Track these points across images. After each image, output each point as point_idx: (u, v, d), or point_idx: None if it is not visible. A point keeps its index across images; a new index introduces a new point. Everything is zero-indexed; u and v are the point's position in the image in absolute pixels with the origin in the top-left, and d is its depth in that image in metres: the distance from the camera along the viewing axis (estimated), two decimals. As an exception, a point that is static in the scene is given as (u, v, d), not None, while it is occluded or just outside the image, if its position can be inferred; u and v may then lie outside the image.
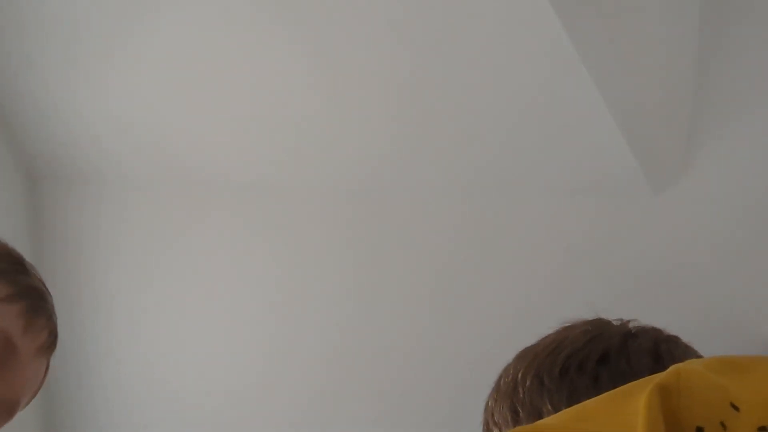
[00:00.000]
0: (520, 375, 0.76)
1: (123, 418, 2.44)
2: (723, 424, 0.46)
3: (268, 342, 2.35)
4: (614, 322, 0.79)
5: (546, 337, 0.78)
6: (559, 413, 0.52)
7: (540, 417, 0.72)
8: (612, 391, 0.51)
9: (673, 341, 0.78)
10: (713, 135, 2.02)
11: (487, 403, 0.78)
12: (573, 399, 0.71)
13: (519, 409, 0.74)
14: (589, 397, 0.66)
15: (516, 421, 0.74)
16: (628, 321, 0.78)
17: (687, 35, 1.96)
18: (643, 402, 0.46)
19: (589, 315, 0.78)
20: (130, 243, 2.41)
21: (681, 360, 0.73)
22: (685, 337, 1.94)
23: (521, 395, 0.75)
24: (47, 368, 1.02)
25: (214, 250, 2.36)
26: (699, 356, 0.77)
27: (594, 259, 2.11)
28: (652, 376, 0.50)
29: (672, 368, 0.49)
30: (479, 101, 1.96)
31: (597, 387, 0.72)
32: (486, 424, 0.77)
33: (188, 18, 1.95)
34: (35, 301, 1.01)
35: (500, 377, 0.78)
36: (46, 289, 1.07)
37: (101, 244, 2.42)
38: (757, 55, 1.95)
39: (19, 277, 1.01)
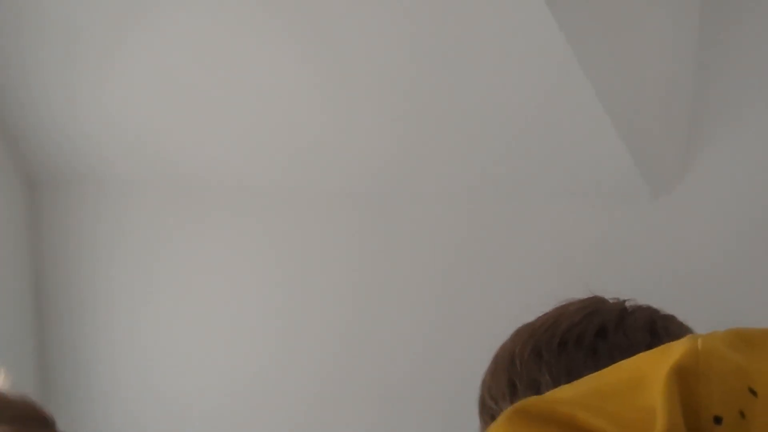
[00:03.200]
0: (517, 349, 0.75)
1: (121, 421, 2.43)
2: (742, 413, 0.45)
3: (269, 345, 2.35)
4: (610, 300, 0.78)
5: (543, 314, 0.78)
6: (572, 385, 0.50)
7: (538, 390, 0.72)
8: (627, 365, 0.49)
9: (669, 319, 0.78)
10: (713, 137, 2.02)
11: (483, 380, 0.78)
12: (571, 371, 0.70)
13: (516, 382, 0.74)
14: (587, 370, 0.65)
15: (513, 394, 0.74)
16: (624, 300, 0.78)
17: (686, 38, 1.96)
18: (661, 388, 0.45)
19: (584, 294, 0.78)
20: (129, 246, 2.41)
21: (678, 336, 0.72)
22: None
23: (519, 369, 0.74)
24: None
25: (214, 253, 2.36)
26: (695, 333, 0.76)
27: (594, 263, 2.10)
28: (669, 349, 0.48)
29: (690, 346, 0.47)
30: (479, 106, 1.96)
31: (595, 360, 0.72)
32: (482, 399, 0.77)
33: (186, 20, 1.96)
34: None
35: (497, 354, 0.78)
36: None
37: (100, 248, 2.43)
38: (757, 56, 1.95)
39: None
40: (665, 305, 2.04)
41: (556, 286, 2.10)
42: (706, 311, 2.05)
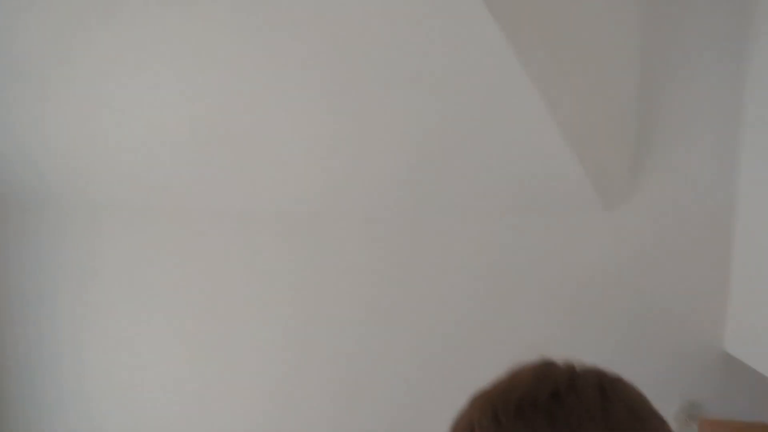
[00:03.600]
0: (476, 417, 0.76)
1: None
2: None
3: (219, 364, 2.36)
4: (559, 364, 0.80)
5: (496, 381, 0.79)
6: None
7: None
8: None
9: (616, 381, 0.80)
10: (661, 149, 2.06)
11: None
12: None
13: None
14: None
15: None
16: (572, 363, 0.80)
17: (630, 54, 1.99)
18: None
19: (533, 355, 0.81)
20: (65, 267, 2.40)
21: (626, 398, 0.76)
22: (638, 351, 1.96)
23: None
24: None
25: (172, 274, 2.36)
26: (641, 395, 0.79)
27: (548, 275, 2.13)
28: None
29: None
30: (427, 122, 1.97)
31: (552, 422, 0.73)
32: None
33: (137, 36, 1.93)
34: None
35: (455, 421, 0.79)
36: None
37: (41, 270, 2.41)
38: (699, 70, 1.99)
39: None
40: (616, 313, 2.08)
41: (513, 299, 2.15)
42: (657, 319, 2.10)
